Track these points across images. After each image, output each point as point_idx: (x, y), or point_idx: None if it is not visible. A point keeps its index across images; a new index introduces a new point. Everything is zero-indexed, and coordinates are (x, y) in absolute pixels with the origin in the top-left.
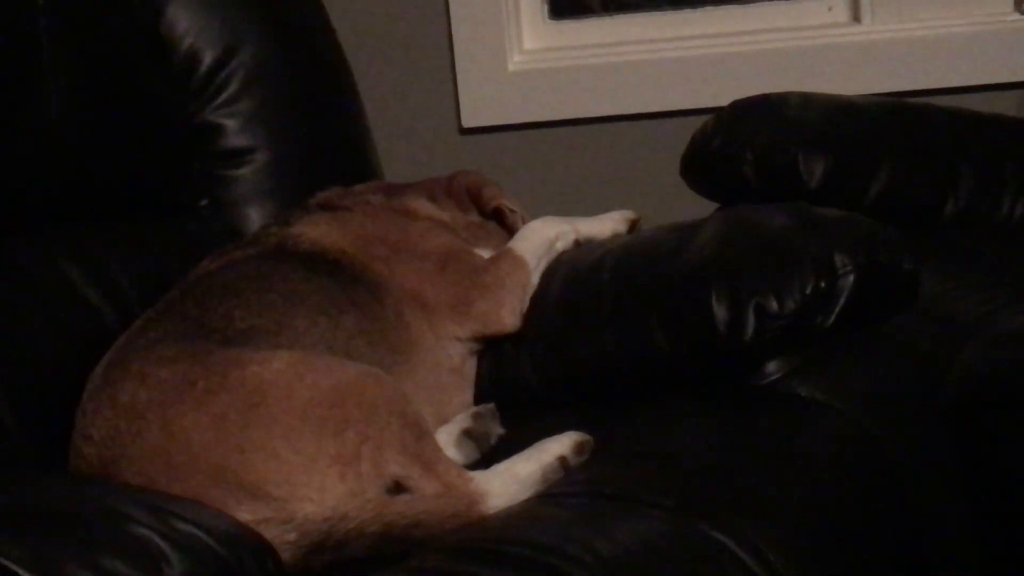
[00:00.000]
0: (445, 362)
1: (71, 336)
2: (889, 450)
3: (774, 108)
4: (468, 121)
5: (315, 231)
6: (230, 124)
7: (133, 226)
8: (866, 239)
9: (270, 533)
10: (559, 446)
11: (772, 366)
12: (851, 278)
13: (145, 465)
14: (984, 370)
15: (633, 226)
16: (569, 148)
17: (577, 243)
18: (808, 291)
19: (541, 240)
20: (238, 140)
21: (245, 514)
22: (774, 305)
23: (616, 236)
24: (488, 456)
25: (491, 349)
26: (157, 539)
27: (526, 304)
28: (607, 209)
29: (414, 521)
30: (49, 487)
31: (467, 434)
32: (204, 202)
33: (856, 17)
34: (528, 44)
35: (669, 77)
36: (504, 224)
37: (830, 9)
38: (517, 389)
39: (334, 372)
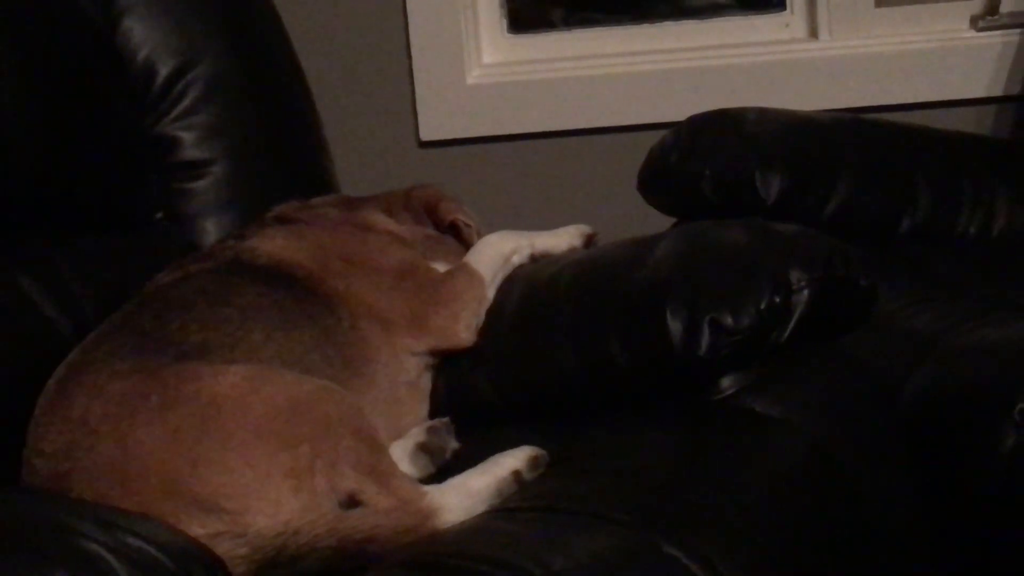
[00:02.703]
0: (401, 376)
1: (25, 348)
2: (844, 465)
3: (732, 123)
4: (427, 135)
5: (271, 245)
6: (187, 137)
7: (89, 238)
8: (822, 255)
9: (222, 548)
10: (514, 460)
11: (728, 381)
12: (806, 293)
13: (98, 479)
14: (938, 385)
15: (589, 240)
16: (527, 162)
17: (533, 257)
18: (763, 306)
19: (497, 254)
20: (195, 153)
21: (197, 528)
22: (729, 320)
23: (572, 250)
24: (443, 470)
25: (447, 363)
26: (107, 554)
27: (482, 318)
28: (564, 223)
29: (368, 536)
30: None
31: (422, 448)
32: (160, 215)
33: (814, 33)
34: (487, 58)
35: (628, 91)
36: (461, 238)
37: (788, 25)
38: (473, 403)
39: (289, 386)
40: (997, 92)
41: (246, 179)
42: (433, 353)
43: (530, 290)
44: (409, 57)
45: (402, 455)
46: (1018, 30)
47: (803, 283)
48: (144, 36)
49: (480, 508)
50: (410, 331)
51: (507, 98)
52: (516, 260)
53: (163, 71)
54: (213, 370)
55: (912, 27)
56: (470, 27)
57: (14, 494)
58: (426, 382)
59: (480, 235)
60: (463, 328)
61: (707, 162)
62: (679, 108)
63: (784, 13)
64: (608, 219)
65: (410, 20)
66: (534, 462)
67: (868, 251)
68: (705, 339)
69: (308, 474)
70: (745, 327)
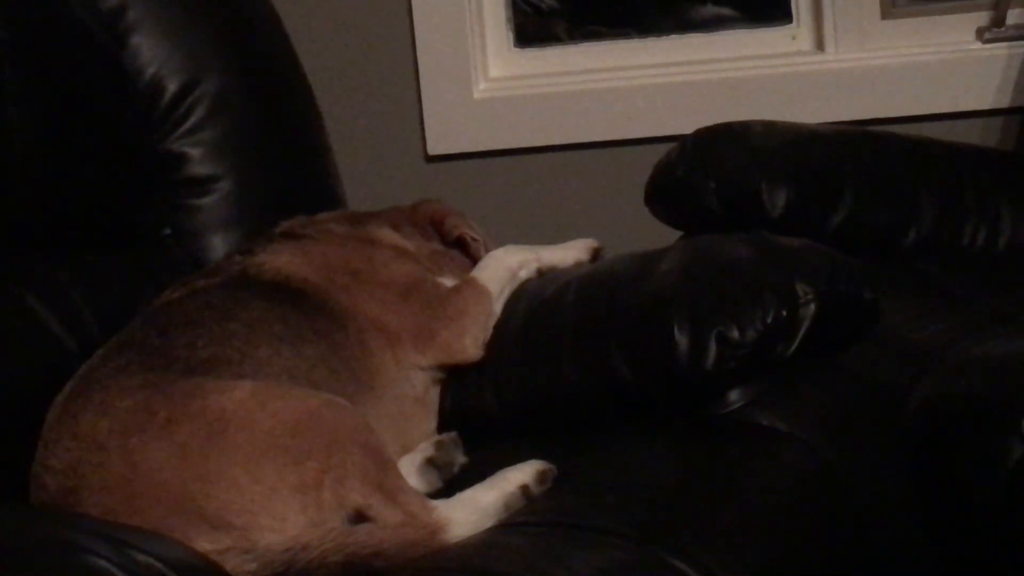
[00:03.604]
0: (408, 391)
1: (32, 366)
2: (848, 479)
3: (737, 137)
4: (434, 149)
5: (278, 260)
6: (193, 153)
7: (95, 255)
8: (827, 268)
9: (230, 563)
10: (521, 475)
11: (734, 395)
12: (812, 307)
13: (106, 495)
14: (943, 399)
15: (596, 254)
16: (534, 176)
17: (540, 272)
18: (769, 320)
19: (504, 269)
20: (201, 169)
21: (206, 544)
22: (735, 334)
23: (579, 264)
24: (451, 485)
25: (454, 378)
26: (115, 570)
27: (489, 333)
28: (571, 237)
29: (376, 551)
30: (6, 518)
31: (430, 463)
32: (167, 231)
33: (820, 46)
34: (494, 72)
35: (634, 105)
36: (467, 253)
37: (794, 38)
38: (480, 418)
39: (296, 401)
40: (1003, 104)
41: (253, 195)
42: (440, 368)
43: (536, 305)
44: (416, 71)
45: (410, 470)
46: None
47: (809, 296)
48: (151, 53)
49: (488, 523)
50: (417, 346)
51: (514, 112)
52: (523, 274)
53: (170, 88)
54: (220, 386)
55: (918, 39)
56: (476, 41)
57: (21, 511)
58: (433, 397)
59: (487, 249)
60: (470, 343)
61: (713, 175)
62: (685, 121)
63: (790, 26)
64: (614, 232)
65: (417, 34)
66: (542, 476)
67: (873, 264)
68: (711, 353)
69: (316, 489)
70: (752, 340)
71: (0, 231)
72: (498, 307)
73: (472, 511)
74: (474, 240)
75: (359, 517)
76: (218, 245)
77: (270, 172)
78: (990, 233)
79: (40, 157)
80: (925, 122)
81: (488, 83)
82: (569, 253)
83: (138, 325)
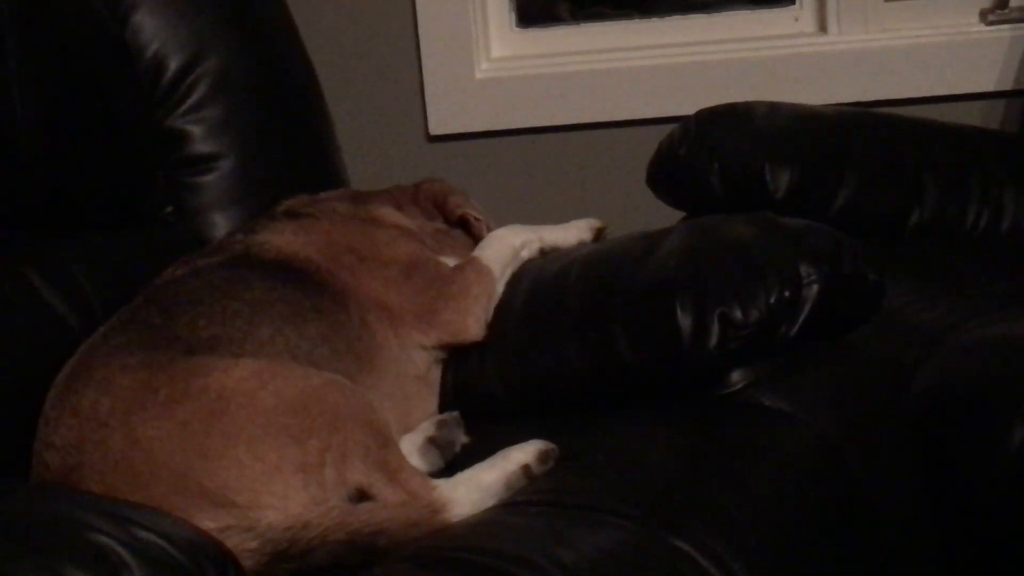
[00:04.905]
0: (410, 370)
1: (35, 343)
2: (852, 460)
3: (740, 118)
4: (436, 129)
5: (280, 239)
6: (196, 131)
7: (98, 233)
8: (831, 249)
9: (232, 541)
10: (523, 455)
11: (736, 375)
12: (815, 288)
13: (107, 473)
14: (946, 381)
15: (599, 234)
16: (536, 156)
17: (542, 251)
18: (772, 301)
19: (506, 248)
20: (204, 147)
21: (207, 522)
22: (738, 314)
23: (581, 244)
24: (452, 464)
25: (456, 358)
26: (117, 547)
27: (491, 313)
28: (573, 217)
29: (377, 529)
30: (8, 494)
31: (431, 442)
32: (169, 209)
33: (823, 27)
34: (496, 52)
35: (636, 86)
36: (470, 232)
37: (797, 19)
38: (482, 398)
39: (298, 380)
40: (1006, 86)
41: (255, 173)
42: (442, 347)
43: (539, 284)
44: (418, 51)
45: (412, 449)
46: None
47: (812, 277)
48: (153, 31)
49: (489, 502)
50: (419, 325)
51: (516, 92)
52: (525, 254)
53: (172, 65)
54: (222, 364)
55: (921, 21)
56: (479, 21)
57: (22, 487)
58: (435, 376)
59: (489, 229)
60: (472, 322)
61: (716, 156)
62: (688, 102)
63: (793, 7)
64: (617, 213)
65: (419, 14)
66: (543, 456)
67: (876, 246)
68: (714, 333)
69: (318, 468)
70: (755, 321)
71: (3, 209)
72: (500, 287)
73: (473, 490)
74: (476, 220)
75: (361, 496)
76: (220, 223)
77: (272, 151)
78: (993, 216)
79: (43, 135)
80: (928, 104)
81: (490, 63)
82: (571, 233)
83: (140, 303)
